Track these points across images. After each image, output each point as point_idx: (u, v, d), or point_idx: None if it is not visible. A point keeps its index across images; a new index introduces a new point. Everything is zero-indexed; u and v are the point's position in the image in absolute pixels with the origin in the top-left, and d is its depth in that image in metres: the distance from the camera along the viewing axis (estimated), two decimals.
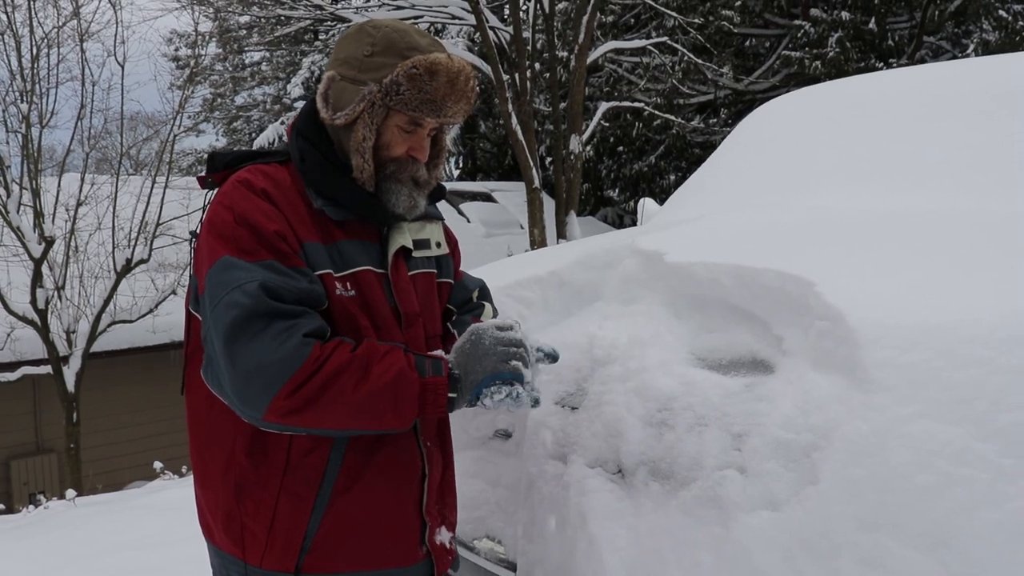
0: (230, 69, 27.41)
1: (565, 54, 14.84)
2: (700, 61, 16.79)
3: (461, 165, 26.23)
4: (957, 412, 1.29)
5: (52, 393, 10.40)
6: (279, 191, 1.65)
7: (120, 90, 11.39)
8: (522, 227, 16.31)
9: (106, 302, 10.47)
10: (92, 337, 10.37)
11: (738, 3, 17.78)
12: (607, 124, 18.38)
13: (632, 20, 20.07)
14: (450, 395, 1.61)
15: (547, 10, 14.00)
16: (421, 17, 13.60)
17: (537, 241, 12.76)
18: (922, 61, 15.38)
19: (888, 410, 1.35)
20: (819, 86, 3.77)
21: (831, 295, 1.56)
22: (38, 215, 10.03)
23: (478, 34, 14.05)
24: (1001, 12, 14.23)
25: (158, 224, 10.92)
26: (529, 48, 14.02)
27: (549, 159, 17.68)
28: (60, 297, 10.32)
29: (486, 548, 2.22)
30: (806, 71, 15.82)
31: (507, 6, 16.02)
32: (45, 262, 10.01)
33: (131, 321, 10.75)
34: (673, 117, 16.96)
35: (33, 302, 9.90)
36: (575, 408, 2.00)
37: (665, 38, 16.74)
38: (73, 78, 11.37)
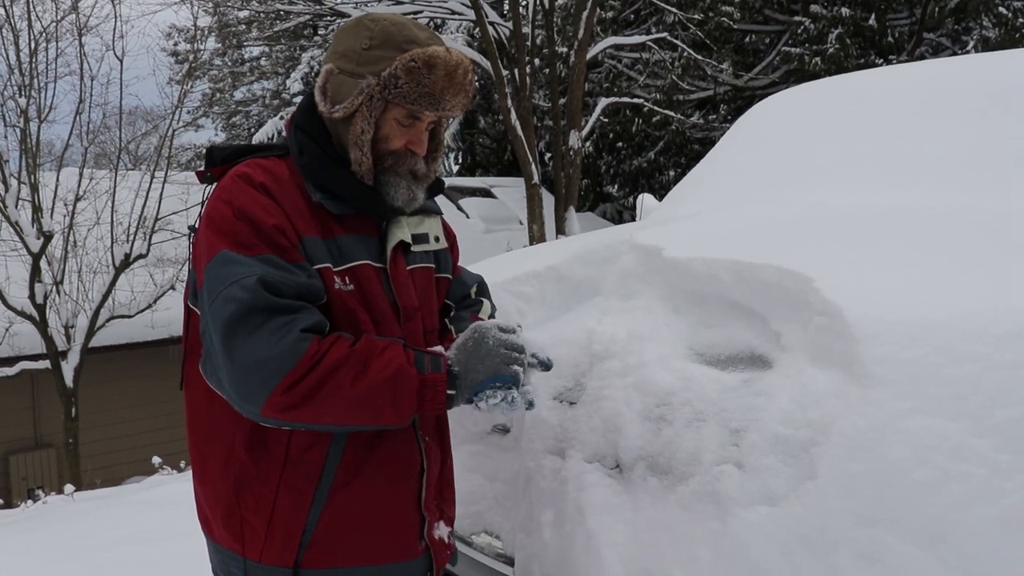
0: (229, 64, 27.39)
1: (565, 50, 14.84)
2: (700, 57, 16.80)
3: (460, 161, 26.23)
4: (954, 408, 1.29)
5: (50, 388, 10.41)
6: (278, 185, 1.64)
7: (119, 84, 11.44)
8: (521, 223, 16.31)
9: (104, 297, 10.47)
10: (91, 332, 10.37)
11: None
12: (606, 120, 18.37)
13: (632, 16, 20.07)
14: (449, 392, 1.60)
15: (547, 6, 14.01)
16: (420, 12, 13.58)
17: (536, 237, 12.76)
18: (922, 58, 15.38)
19: (886, 405, 1.35)
20: (818, 82, 3.76)
21: (829, 291, 1.56)
22: (36, 210, 10.03)
23: (478, 29, 14.05)
24: (1001, 9, 14.24)
25: (157, 219, 10.93)
26: (529, 44, 14.03)
27: (548, 155, 17.68)
28: (58, 292, 10.32)
29: (484, 543, 2.22)
30: (806, 67, 15.83)
31: (507, 2, 16.01)
32: (43, 257, 10.01)
33: (130, 316, 10.76)
34: (672, 113, 16.97)
35: (31, 297, 9.90)
36: (573, 403, 2.00)
37: (665, 34, 16.76)
38: (72, 72, 11.38)
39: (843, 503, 1.34)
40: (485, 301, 2.08)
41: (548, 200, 14.16)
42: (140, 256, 10.72)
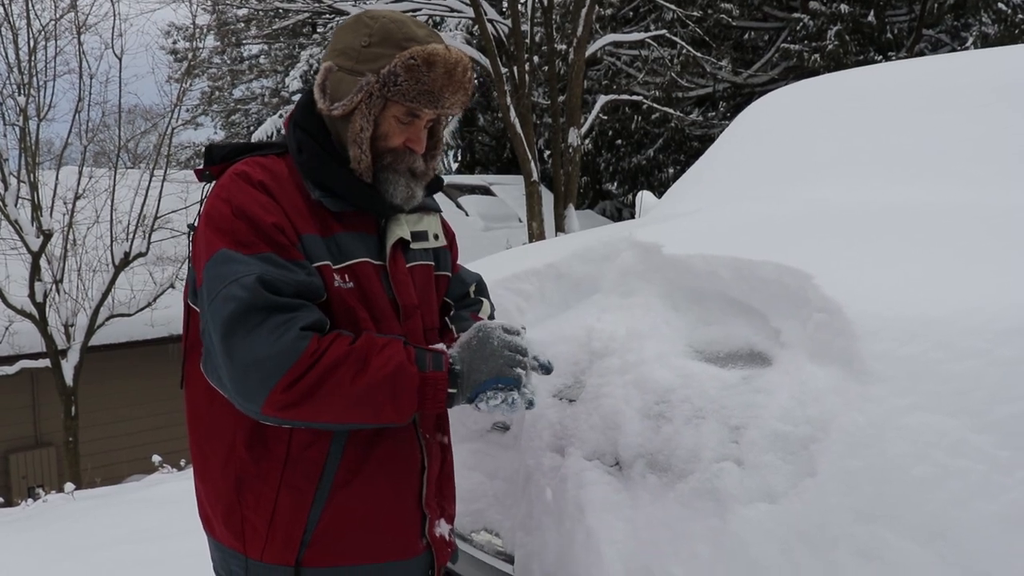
0: (228, 62, 27.39)
1: (564, 47, 14.84)
2: (699, 54, 16.79)
3: (460, 158, 26.23)
4: (954, 404, 1.29)
5: (50, 387, 10.41)
6: (276, 183, 1.64)
7: (118, 83, 11.47)
8: (520, 220, 16.31)
9: (104, 295, 10.48)
10: (90, 331, 10.37)
11: None
12: (605, 117, 18.38)
13: (631, 13, 20.06)
14: (450, 391, 1.60)
15: (546, 3, 14.00)
16: (420, 10, 13.57)
17: (535, 234, 12.76)
18: (921, 54, 15.37)
19: (885, 402, 1.35)
20: (817, 79, 3.76)
21: (829, 287, 1.56)
22: (36, 208, 10.03)
23: (476, 27, 14.03)
24: (1000, 5, 14.24)
25: (156, 217, 10.93)
26: (528, 41, 14.02)
27: (548, 152, 17.67)
28: (58, 290, 10.32)
29: (484, 540, 2.22)
30: (805, 64, 15.84)
31: None
32: (43, 255, 10.01)
33: (129, 315, 10.76)
34: (672, 110, 16.96)
35: (31, 295, 9.90)
36: (573, 401, 2.00)
37: (664, 31, 16.75)
38: (71, 71, 11.45)
39: (842, 500, 1.34)
40: (484, 300, 2.08)
41: (547, 198, 14.16)
42: (140, 254, 10.73)
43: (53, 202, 10.48)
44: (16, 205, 9.83)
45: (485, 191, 18.39)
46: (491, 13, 13.93)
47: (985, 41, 14.49)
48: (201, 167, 1.77)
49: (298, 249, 1.60)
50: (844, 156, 2.85)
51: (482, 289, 2.11)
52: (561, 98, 14.12)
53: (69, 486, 7.00)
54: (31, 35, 10.59)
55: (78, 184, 10.75)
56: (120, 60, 11.33)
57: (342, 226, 1.68)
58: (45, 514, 6.02)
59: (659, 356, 1.84)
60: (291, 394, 1.48)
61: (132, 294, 10.84)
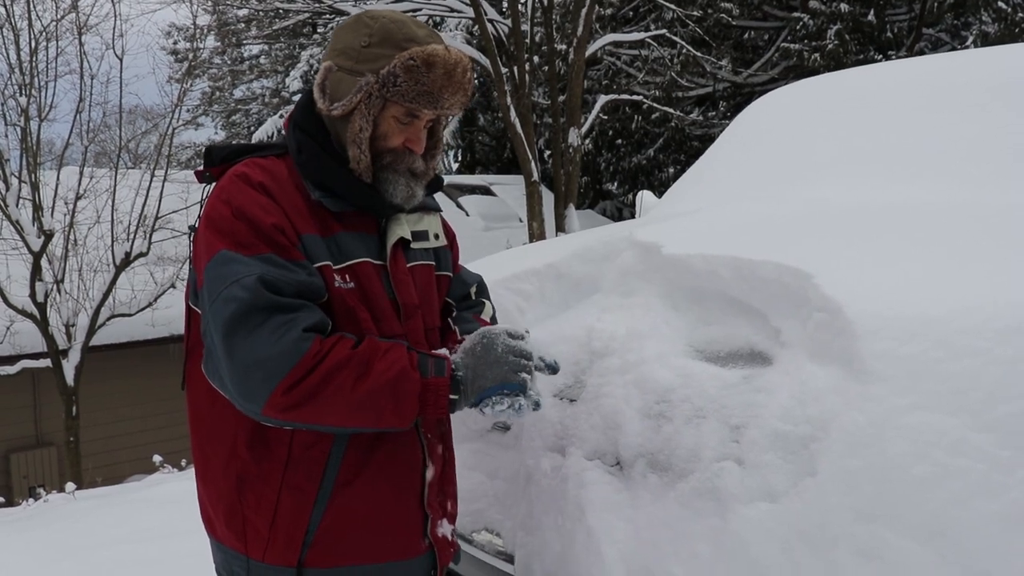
0: (228, 62, 27.39)
1: (564, 47, 14.84)
2: (699, 54, 16.80)
3: (460, 158, 26.24)
4: (954, 403, 1.29)
5: (51, 386, 10.41)
6: (276, 184, 1.64)
7: (119, 83, 11.44)
8: (521, 220, 16.32)
9: (105, 295, 10.48)
10: (91, 330, 10.37)
11: None
12: (606, 117, 18.39)
13: (631, 13, 20.06)
14: (451, 397, 1.60)
15: (546, 3, 13.99)
16: (420, 10, 13.57)
17: (536, 234, 12.77)
18: (921, 53, 15.36)
19: (885, 401, 1.35)
20: (817, 78, 3.76)
21: (829, 287, 1.56)
22: (37, 208, 10.03)
23: (476, 27, 14.03)
24: (1000, 4, 14.24)
25: (157, 217, 10.93)
26: (528, 41, 14.03)
27: (548, 152, 17.68)
28: (59, 290, 10.33)
29: (485, 540, 2.22)
30: (805, 63, 15.84)
31: None
32: (44, 255, 10.01)
33: (130, 315, 10.76)
34: (672, 110, 16.97)
35: (32, 295, 9.90)
36: (573, 400, 2.00)
37: (664, 31, 16.75)
38: (72, 71, 11.37)
39: (843, 499, 1.34)
40: (487, 303, 2.08)
41: (548, 197, 14.16)
42: (140, 254, 10.73)
43: (54, 202, 10.48)
44: (17, 205, 9.83)
45: (485, 191, 18.39)
46: (491, 13, 13.93)
47: (985, 40, 14.49)
48: (201, 168, 1.77)
49: (298, 250, 1.60)
50: (844, 156, 2.85)
51: (483, 290, 2.11)
52: (561, 98, 14.12)
53: (70, 486, 7.00)
54: (32, 36, 10.59)
55: (79, 184, 10.74)
56: (121, 60, 11.33)
57: (342, 226, 1.68)
58: (46, 514, 6.03)
59: (659, 356, 1.84)
60: (292, 396, 1.48)
61: (133, 294, 10.84)
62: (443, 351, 1.69)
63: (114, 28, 11.21)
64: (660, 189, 16.71)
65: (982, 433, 1.25)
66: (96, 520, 5.51)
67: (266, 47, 26.49)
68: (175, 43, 24.70)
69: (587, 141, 16.37)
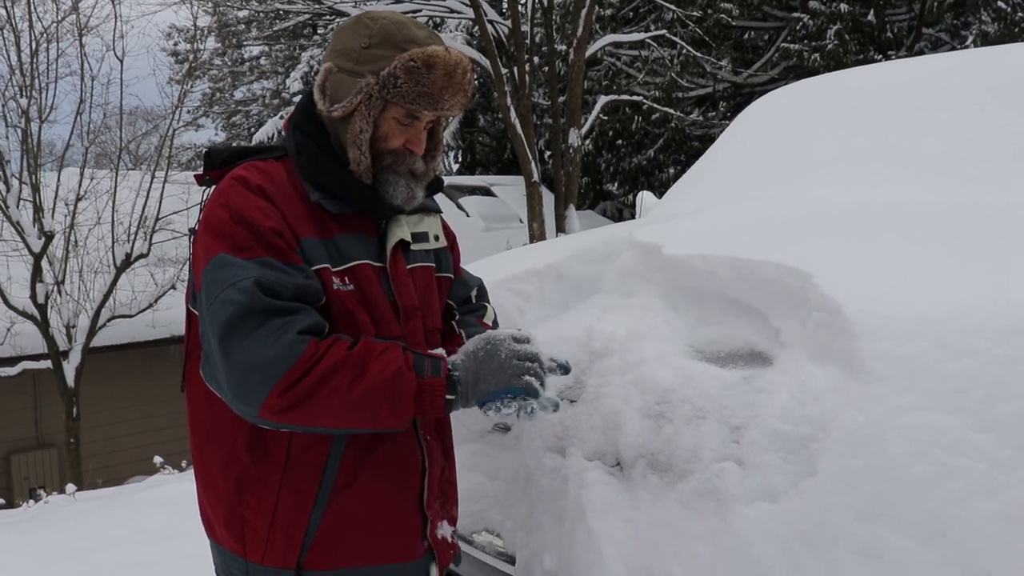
0: (229, 64, 27.39)
1: (564, 47, 14.83)
2: (699, 54, 16.80)
3: (460, 159, 26.24)
4: (953, 403, 1.29)
5: (52, 388, 10.41)
6: (275, 187, 1.64)
7: (119, 84, 11.44)
8: (521, 221, 16.32)
9: (106, 297, 10.48)
10: (92, 332, 10.38)
11: None
12: (606, 118, 18.38)
13: (631, 13, 20.07)
14: (448, 397, 1.60)
15: (546, 4, 13.99)
16: (420, 11, 13.58)
17: (536, 235, 12.76)
18: (921, 53, 15.36)
19: (885, 401, 1.35)
20: (817, 78, 3.76)
21: (829, 287, 1.56)
22: (38, 210, 10.04)
23: (476, 28, 14.03)
24: (1000, 3, 14.24)
25: (158, 219, 10.94)
26: (528, 42, 14.03)
27: (548, 153, 17.68)
28: (60, 292, 10.33)
29: (485, 541, 2.22)
30: (805, 63, 15.84)
31: (505, 0, 16.01)
32: (45, 257, 10.02)
33: (131, 316, 10.76)
34: (672, 110, 16.96)
35: (33, 297, 9.90)
36: (573, 401, 2.00)
37: (664, 31, 16.75)
38: (72, 73, 11.37)
39: (843, 499, 1.35)
40: (487, 305, 2.09)
41: (548, 198, 14.16)
42: (141, 256, 10.73)
43: (55, 203, 10.49)
44: (18, 207, 9.83)
45: (486, 192, 18.39)
46: (491, 14, 13.94)
47: (985, 39, 14.49)
48: (201, 172, 1.78)
49: (296, 253, 1.60)
50: (844, 156, 2.85)
51: (483, 294, 2.11)
52: (561, 99, 14.12)
53: (70, 487, 7.00)
54: (33, 37, 10.59)
55: (80, 185, 10.74)
56: (121, 62, 11.33)
57: (341, 228, 1.68)
58: (46, 515, 6.02)
59: (659, 356, 1.85)
60: (288, 398, 1.48)
61: (133, 295, 10.85)
62: (439, 351, 1.68)
63: (114, 29, 11.23)
64: (660, 189, 16.71)
65: (982, 433, 1.25)
66: (96, 521, 5.51)
67: (266, 48, 26.50)
68: (175, 44, 24.72)
69: (587, 142, 16.37)
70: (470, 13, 13.24)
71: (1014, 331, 1.32)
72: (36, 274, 9.89)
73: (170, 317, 10.74)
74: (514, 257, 2.93)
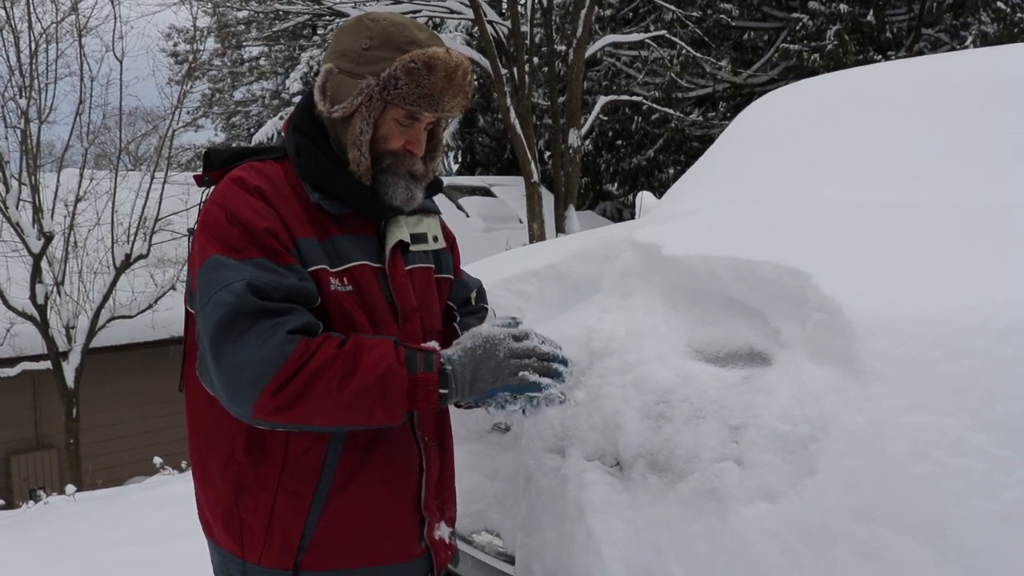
0: (228, 64, 27.40)
1: (563, 48, 14.84)
2: (698, 54, 16.80)
3: (460, 159, 26.25)
4: (953, 403, 1.29)
5: (52, 389, 10.41)
6: (273, 188, 1.64)
7: (119, 85, 11.45)
8: (521, 221, 16.31)
9: (105, 297, 10.48)
10: (91, 332, 10.38)
11: None
12: (605, 118, 18.38)
13: (630, 14, 20.07)
14: (441, 391, 1.58)
15: (545, 4, 13.99)
16: (419, 11, 13.58)
17: (536, 235, 12.76)
18: (920, 53, 15.37)
19: (884, 401, 1.35)
20: (816, 79, 3.76)
21: (828, 287, 1.56)
22: (37, 211, 10.04)
23: (476, 28, 14.03)
24: (999, 4, 14.24)
25: (157, 219, 10.94)
26: (527, 42, 14.03)
27: (548, 153, 17.68)
28: (59, 292, 10.33)
29: (485, 541, 2.22)
30: (804, 64, 15.84)
31: (505, 0, 16.01)
32: (44, 257, 10.02)
33: (130, 317, 10.76)
34: (672, 111, 16.96)
35: (32, 297, 9.90)
36: (575, 403, 2.00)
37: (663, 31, 16.76)
38: (72, 73, 11.39)
39: (842, 499, 1.35)
40: (488, 307, 2.09)
41: (548, 198, 14.16)
42: (140, 256, 10.73)
43: (54, 204, 10.48)
44: (17, 207, 9.83)
45: (485, 192, 18.39)
46: (491, 14, 13.94)
47: (984, 40, 14.49)
48: (200, 172, 1.78)
49: (292, 254, 1.60)
50: (843, 156, 2.85)
51: (482, 295, 2.11)
52: (561, 99, 14.12)
53: (70, 488, 7.00)
54: (32, 38, 10.59)
55: (79, 186, 10.75)
56: (121, 63, 11.35)
57: (340, 229, 1.68)
58: (46, 516, 6.03)
59: (659, 356, 1.84)
60: (280, 398, 1.48)
61: (133, 296, 10.85)
62: (432, 344, 1.67)
63: (114, 30, 11.23)
64: (660, 190, 16.71)
65: (981, 433, 1.25)
66: (96, 522, 5.51)
67: (266, 49, 26.50)
68: (175, 45, 24.71)
69: (587, 142, 16.37)
70: (470, 14, 13.24)
71: (1013, 331, 1.32)
72: (36, 275, 9.89)
73: (170, 318, 10.74)
74: (514, 257, 2.93)
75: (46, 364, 10.18)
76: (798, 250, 1.82)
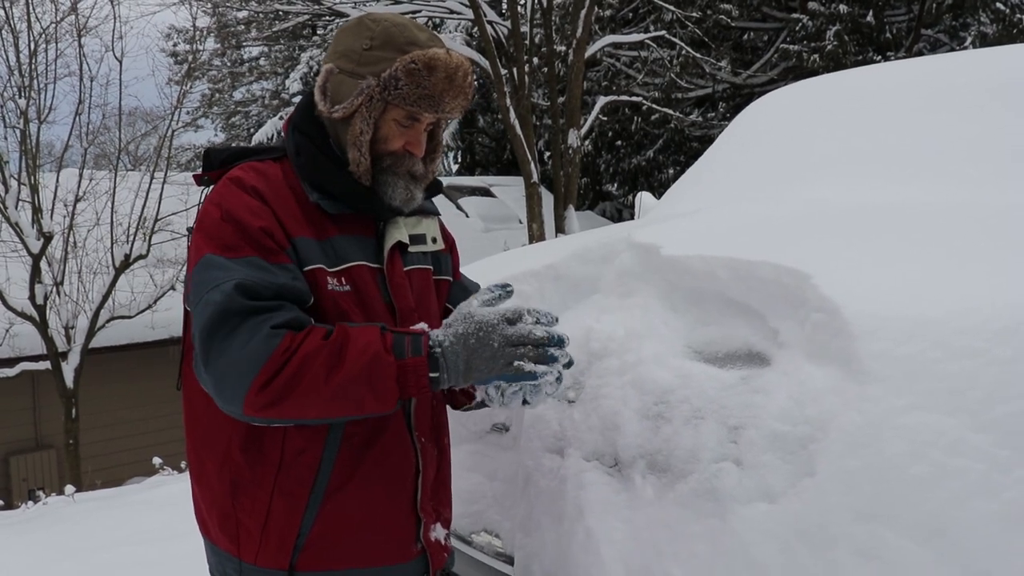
0: (228, 64, 27.41)
1: (563, 48, 14.84)
2: (698, 55, 16.81)
3: (460, 160, 26.25)
4: (952, 403, 1.29)
5: (51, 389, 10.41)
6: (270, 187, 1.65)
7: (118, 85, 11.45)
8: (521, 222, 16.32)
9: (105, 298, 10.48)
10: (91, 333, 10.37)
11: None
12: (605, 118, 18.39)
13: (630, 14, 20.08)
14: (432, 375, 1.55)
15: (545, 4, 14.00)
16: (419, 12, 13.58)
17: (536, 236, 12.77)
18: (920, 54, 15.37)
19: (883, 401, 1.35)
20: (816, 79, 3.76)
21: (827, 287, 1.56)
22: (36, 211, 10.04)
23: (476, 28, 14.03)
24: (999, 5, 14.25)
25: (157, 219, 10.94)
26: (527, 42, 14.03)
27: (547, 153, 17.69)
28: (59, 293, 10.33)
29: (484, 542, 2.22)
30: (804, 64, 15.85)
31: (505, 1, 16.01)
32: (44, 258, 10.02)
33: (130, 317, 10.76)
34: (671, 111, 16.98)
35: (32, 298, 9.90)
36: (572, 402, 2.00)
37: (663, 32, 16.77)
38: (71, 73, 11.40)
39: (841, 499, 1.34)
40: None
41: (547, 199, 14.17)
42: (140, 257, 10.73)
43: (54, 204, 10.48)
44: (17, 207, 9.83)
45: (485, 192, 18.39)
46: (491, 15, 13.94)
47: (984, 41, 14.50)
48: (199, 172, 1.78)
49: (287, 253, 1.60)
50: (843, 156, 2.85)
51: None
52: (561, 99, 14.12)
53: (70, 488, 7.00)
54: (32, 38, 10.59)
55: (78, 186, 10.75)
56: (120, 63, 11.34)
57: (339, 229, 1.68)
58: (45, 516, 6.03)
59: (657, 357, 1.84)
60: (267, 393, 1.47)
61: (132, 296, 10.85)
62: (421, 326, 1.64)
63: (113, 30, 11.23)
64: (659, 190, 16.71)
65: (980, 433, 1.25)
66: (96, 522, 5.51)
67: (266, 49, 26.51)
68: (175, 45, 24.72)
69: (587, 142, 16.37)
70: (469, 14, 13.25)
71: (1012, 332, 1.32)
72: (35, 275, 9.89)
73: (169, 318, 10.74)
74: (513, 258, 2.93)
75: (45, 364, 10.18)
76: (797, 250, 1.82)
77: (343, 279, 1.65)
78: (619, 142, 20.85)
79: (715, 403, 1.66)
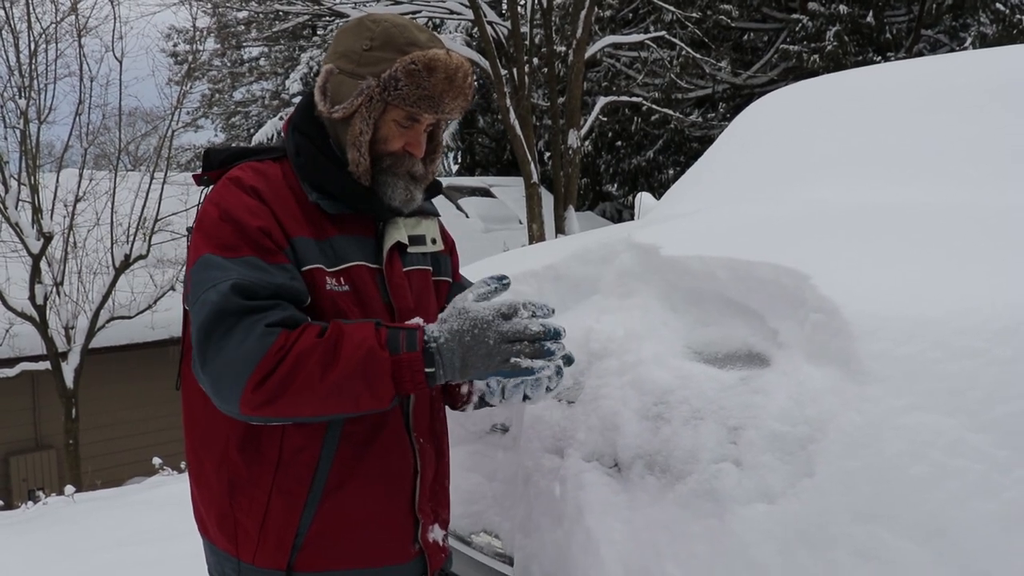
0: (228, 64, 27.41)
1: (563, 49, 14.85)
2: (698, 55, 16.81)
3: (460, 160, 26.25)
4: (951, 403, 1.29)
5: (51, 389, 10.41)
6: (269, 187, 1.65)
7: (118, 85, 11.45)
8: (521, 222, 16.32)
9: (105, 298, 10.49)
10: (91, 333, 10.38)
11: None
12: (605, 119, 18.39)
13: (630, 14, 20.08)
14: (428, 370, 1.54)
15: (545, 5, 14.00)
16: (419, 12, 13.58)
17: (535, 236, 12.77)
18: (920, 54, 15.36)
19: (882, 402, 1.35)
20: (816, 79, 3.76)
21: (826, 288, 1.56)
22: (36, 211, 10.04)
23: (476, 29, 14.04)
24: (999, 5, 14.25)
25: (157, 220, 10.95)
26: (527, 43, 14.03)
27: (547, 154, 17.68)
28: (59, 293, 10.33)
29: (483, 542, 2.22)
30: (804, 65, 15.85)
31: (505, 1, 16.01)
32: (43, 258, 10.02)
33: (130, 317, 10.77)
34: (671, 111, 16.98)
35: (32, 298, 9.90)
36: (572, 402, 2.00)
37: (663, 32, 16.77)
38: (71, 74, 11.42)
39: (840, 499, 1.34)
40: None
41: (547, 199, 14.17)
42: (140, 257, 10.73)
43: (53, 205, 10.49)
44: (16, 208, 9.83)
45: (485, 193, 18.39)
46: (491, 15, 13.94)
47: (983, 41, 14.50)
48: (199, 172, 1.78)
49: (285, 253, 1.60)
50: (842, 156, 2.85)
51: None
52: (561, 100, 14.12)
53: (69, 488, 7.00)
54: (32, 38, 10.60)
55: (78, 187, 10.75)
56: (120, 63, 11.35)
57: (338, 229, 1.68)
58: (45, 516, 6.03)
59: (657, 357, 1.84)
60: (263, 392, 1.47)
61: (132, 296, 10.85)
62: (416, 321, 1.63)
63: (114, 30, 11.24)
64: (659, 191, 16.71)
65: (979, 433, 1.25)
66: (96, 522, 5.52)
67: (266, 49, 26.51)
68: (175, 45, 24.73)
69: (587, 143, 16.38)
70: (469, 14, 13.25)
71: (1012, 332, 1.32)
72: (35, 275, 9.89)
73: (169, 318, 10.75)
74: (512, 258, 2.93)
75: (45, 364, 10.18)
76: (796, 251, 1.82)
77: (342, 279, 1.65)
78: (619, 142, 20.85)
79: (714, 403, 1.66)
